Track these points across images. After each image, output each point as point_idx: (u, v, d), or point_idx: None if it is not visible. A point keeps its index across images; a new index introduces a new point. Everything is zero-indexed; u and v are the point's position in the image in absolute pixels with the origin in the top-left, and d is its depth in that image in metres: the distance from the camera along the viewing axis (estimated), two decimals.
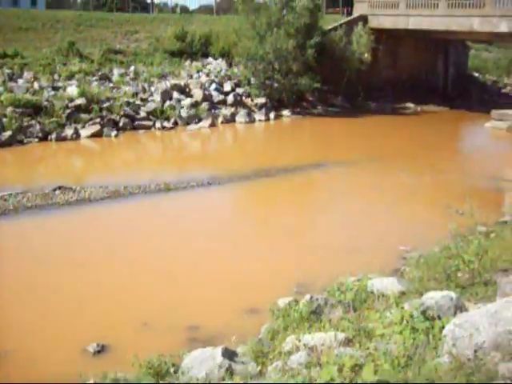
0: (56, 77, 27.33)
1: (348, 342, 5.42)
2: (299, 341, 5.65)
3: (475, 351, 4.14)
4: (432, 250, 9.28)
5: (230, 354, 5.86)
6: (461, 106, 38.58)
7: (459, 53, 45.66)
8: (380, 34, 37.47)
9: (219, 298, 9.33)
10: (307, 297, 7.01)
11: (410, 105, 37.75)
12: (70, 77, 27.50)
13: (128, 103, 26.01)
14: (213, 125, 27.04)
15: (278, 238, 12.67)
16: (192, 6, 72.49)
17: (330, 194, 17.15)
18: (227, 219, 14.39)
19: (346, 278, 7.91)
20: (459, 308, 5.17)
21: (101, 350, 7.70)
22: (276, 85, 31.16)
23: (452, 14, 34.09)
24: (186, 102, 27.93)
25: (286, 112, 31.09)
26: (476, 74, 51.39)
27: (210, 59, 34.16)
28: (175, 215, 14.51)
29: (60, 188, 15.55)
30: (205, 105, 28.35)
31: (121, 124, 24.80)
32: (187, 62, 33.20)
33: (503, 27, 32.08)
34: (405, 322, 4.94)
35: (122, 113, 25.21)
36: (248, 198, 17.11)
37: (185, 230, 13.05)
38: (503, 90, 50.33)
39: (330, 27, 35.74)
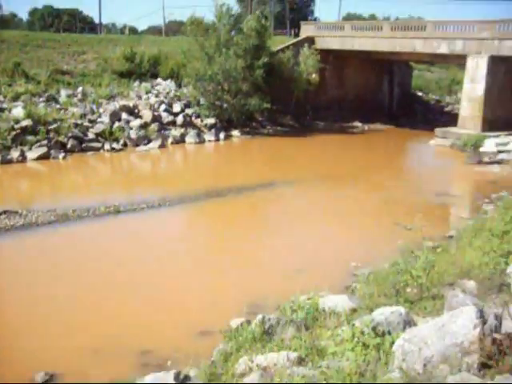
0: (1, 98, 26.72)
1: (300, 360, 5.44)
2: (252, 362, 5.63)
3: (424, 365, 4.22)
4: (381, 266, 9.44)
5: (182, 378, 5.79)
6: (406, 125, 39.61)
7: (403, 73, 46.98)
8: (327, 55, 38.29)
9: (171, 320, 9.22)
10: (259, 317, 7.00)
11: (358, 123, 38.53)
12: (16, 98, 26.96)
13: (76, 125, 25.64)
14: (163, 146, 26.92)
15: (228, 259, 12.64)
16: (141, 27, 72.50)
17: (280, 213, 17.24)
18: (178, 241, 14.26)
19: (298, 296, 7.95)
20: (408, 323, 5.27)
21: (49, 379, 7.48)
22: (225, 105, 31.32)
23: (395, 36, 35.20)
24: (136, 123, 27.73)
25: (235, 132, 31.25)
26: (420, 94, 52.95)
27: (160, 80, 34.09)
28: (124, 238, 14.30)
29: (5, 212, 15.12)
30: (154, 126, 28.21)
31: (69, 146, 24.40)
32: (136, 83, 33.03)
33: (443, 48, 33.32)
34: (356, 338, 5.00)
35: (69, 134, 24.81)
36: (198, 220, 17.03)
37: (134, 253, 12.87)
38: (445, 109, 51.97)
39: (278, 48, 36.27)
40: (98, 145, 25.39)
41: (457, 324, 4.24)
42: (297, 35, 43.50)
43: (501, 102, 33.41)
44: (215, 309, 9.46)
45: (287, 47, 36.67)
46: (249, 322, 7.40)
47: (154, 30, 65.80)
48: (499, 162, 26.87)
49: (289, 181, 20.99)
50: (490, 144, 29.68)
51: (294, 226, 15.57)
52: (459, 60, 34.95)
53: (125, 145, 26.24)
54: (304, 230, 15.13)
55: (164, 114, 29.70)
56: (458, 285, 7.18)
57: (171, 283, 10.96)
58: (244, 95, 31.27)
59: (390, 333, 5.00)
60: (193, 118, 31.05)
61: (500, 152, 28.65)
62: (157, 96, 31.55)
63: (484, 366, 4.02)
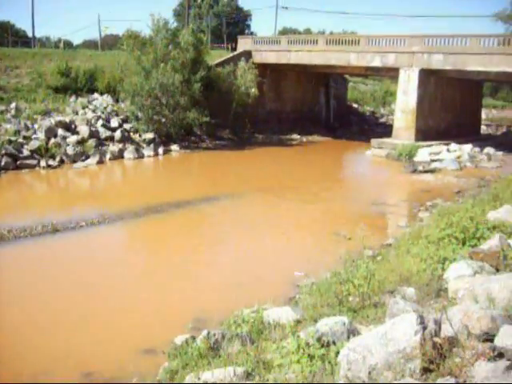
0: None
1: (247, 375, 5.44)
2: (199, 379, 5.59)
3: (369, 373, 4.31)
4: (324, 277, 9.57)
5: None
6: (343, 136, 40.49)
7: (339, 85, 48.05)
8: (264, 69, 38.75)
9: (114, 339, 9.03)
10: (204, 332, 6.96)
11: (296, 136, 39.09)
12: None
13: (10, 141, 24.83)
14: (101, 162, 26.48)
15: (171, 275, 12.49)
16: (76, 41, 71.26)
17: (221, 227, 17.22)
18: (119, 259, 14.01)
19: (242, 310, 7.95)
20: (352, 332, 5.37)
21: None
22: (164, 120, 31.12)
23: (330, 49, 36.01)
24: (72, 139, 27.15)
25: (174, 147, 31.10)
26: (355, 106, 54.24)
27: (96, 95, 33.55)
28: (63, 257, 13.93)
29: None
30: (92, 141, 27.70)
31: (2, 163, 23.62)
32: (72, 98, 32.38)
33: (377, 62, 34.32)
34: (302, 350, 5.05)
35: (3, 152, 24.01)
36: (139, 236, 16.78)
37: (73, 272, 12.56)
38: (380, 120, 53.45)
39: (215, 62, 36.42)
40: (34, 162, 24.70)
41: (399, 331, 4.35)
42: (234, 49, 43.86)
43: (432, 112, 34.69)
44: (160, 326, 9.33)
45: (225, 61, 36.93)
46: (194, 339, 7.34)
47: (89, 44, 64.85)
48: (433, 171, 27.82)
49: (229, 194, 21.03)
50: (424, 153, 30.71)
51: (236, 240, 15.59)
52: (392, 73, 36.10)
53: (62, 161, 25.63)
54: (246, 242, 15.17)
55: (101, 130, 29.23)
56: (398, 292, 7.36)
57: (113, 302, 10.74)
58: (182, 109, 31.19)
59: (334, 343, 5.08)
60: (131, 133, 30.70)
61: (433, 161, 29.69)
62: (94, 111, 31.03)
63: (426, 370, 4.14)
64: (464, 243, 8.82)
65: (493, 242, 8.11)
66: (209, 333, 6.84)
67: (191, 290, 11.32)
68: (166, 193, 21.31)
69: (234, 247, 14.80)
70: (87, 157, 26.51)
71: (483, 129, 48.49)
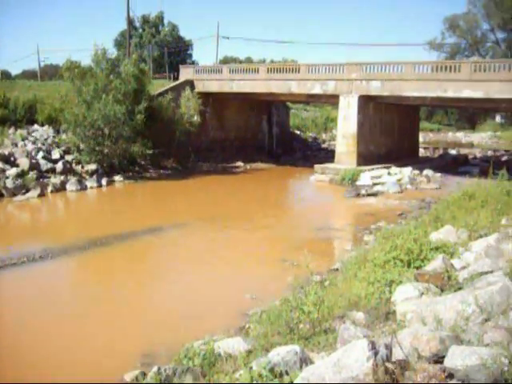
0: None
1: None
2: None
3: None
4: (273, 305, 9.54)
5: None
6: (286, 162, 40.95)
7: (281, 113, 48.73)
8: (207, 98, 38.96)
9: (62, 377, 8.70)
10: (154, 368, 6.79)
11: (240, 163, 39.27)
12: None
13: None
14: (42, 194, 25.82)
15: (118, 309, 12.20)
16: (14, 71, 69.82)
17: (167, 259, 16.99)
18: (61, 295, 13.59)
19: (192, 342, 7.82)
20: (305, 361, 5.35)
21: None
22: (107, 150, 30.70)
23: (272, 78, 36.56)
24: (12, 171, 26.41)
25: (118, 177, 30.68)
26: (298, 132, 55.06)
27: (36, 126, 32.88)
28: (3, 296, 13.40)
29: None
30: (32, 174, 27.02)
31: None
32: (11, 130, 31.59)
33: (317, 89, 35.06)
34: (255, 382, 4.99)
35: None
36: (83, 271, 16.33)
37: (15, 311, 12.10)
38: (323, 145, 54.44)
39: (158, 92, 36.36)
40: None
41: (351, 358, 4.37)
42: (176, 79, 43.92)
43: (372, 137, 35.61)
44: (108, 362, 9.07)
45: (167, 91, 36.91)
46: (144, 375, 7.16)
47: (28, 74, 63.72)
48: (375, 194, 28.41)
49: (175, 224, 20.82)
50: (366, 177, 31.37)
51: (182, 271, 15.40)
52: (332, 99, 36.93)
53: (1, 195, 24.86)
54: (193, 273, 15.00)
55: (42, 162, 28.58)
56: (347, 317, 7.41)
57: (59, 339, 10.39)
58: (125, 140, 30.88)
59: (287, 373, 5.04)
60: (73, 165, 30.14)
61: (375, 184, 30.36)
62: (34, 143, 30.36)
63: None
64: (409, 265, 9.00)
65: (436, 263, 8.30)
66: (159, 368, 6.68)
67: (139, 325, 11.07)
68: (110, 225, 20.92)
69: (180, 278, 14.61)
70: (28, 190, 25.79)
71: (421, 152, 50.03)
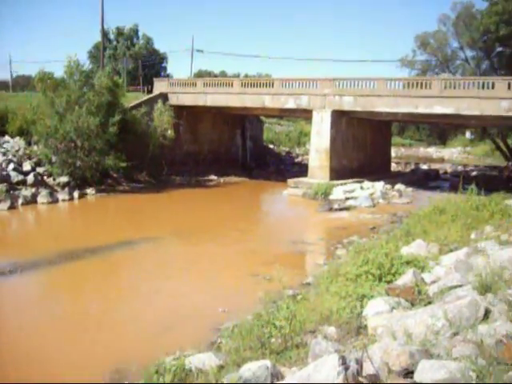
0: None
1: None
2: None
3: None
4: (245, 319, 9.51)
5: None
6: (260, 176, 41.03)
7: (255, 127, 48.93)
8: (181, 111, 38.93)
9: None
10: None
11: (213, 177, 39.23)
12: None
13: None
14: (13, 207, 25.41)
15: (88, 325, 12.02)
16: None
17: (139, 273, 16.80)
18: (31, 309, 13.35)
19: (164, 358, 7.74)
20: (276, 376, 5.34)
21: None
22: (79, 163, 30.38)
23: (246, 92, 36.72)
24: None
25: (90, 190, 30.36)
26: (271, 146, 55.29)
27: (7, 138, 32.42)
28: None
29: None
30: (2, 186, 26.57)
31: None
32: None
33: (291, 104, 35.33)
34: None
35: None
36: (53, 286, 16.04)
37: None
38: (296, 160, 54.73)
39: (132, 104, 36.22)
40: None
41: (321, 373, 4.38)
42: (150, 91, 43.83)
43: (345, 151, 35.94)
44: (76, 380, 8.91)
45: (141, 103, 36.80)
46: None
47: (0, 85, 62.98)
48: (348, 208, 28.60)
49: (147, 238, 20.66)
50: (339, 192, 31.60)
51: (155, 285, 15.26)
52: (306, 114, 37.20)
53: None
54: (166, 287, 14.88)
55: (13, 174, 28.17)
56: (319, 331, 7.43)
57: (25, 356, 10.19)
58: (98, 153, 30.62)
59: None
60: (45, 177, 29.78)
61: (348, 199, 30.58)
62: (4, 154, 29.90)
63: None
64: (380, 279, 9.06)
65: (407, 278, 8.38)
66: None
67: (109, 340, 10.93)
68: (82, 238, 20.67)
69: (153, 293, 14.47)
70: None
71: (393, 166, 50.63)
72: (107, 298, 14.20)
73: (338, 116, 34.46)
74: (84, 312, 12.95)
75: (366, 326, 7.06)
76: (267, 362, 5.42)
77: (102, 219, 25.83)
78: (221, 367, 6.96)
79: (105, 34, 52.06)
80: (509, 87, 28.50)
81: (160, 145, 35.43)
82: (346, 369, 4.37)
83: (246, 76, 79.91)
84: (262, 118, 51.79)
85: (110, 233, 22.04)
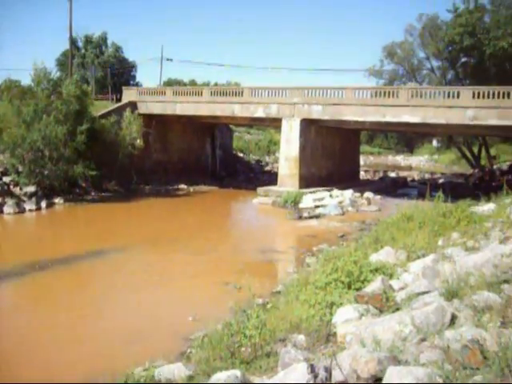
0: None
1: None
2: None
3: None
4: (215, 329, 9.47)
5: None
6: (230, 185, 41.03)
7: (225, 135, 48.95)
8: (150, 120, 38.76)
9: None
10: None
11: (183, 186, 39.09)
12: None
13: None
14: None
15: (53, 338, 11.78)
16: None
17: (109, 283, 16.62)
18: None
19: (133, 369, 7.66)
20: None
21: None
22: (47, 172, 29.95)
23: (215, 100, 36.76)
24: None
25: (58, 200, 29.96)
26: (241, 155, 55.35)
27: None
28: None
29: None
30: None
31: None
32: None
33: (260, 112, 35.46)
34: None
35: None
36: (19, 298, 15.76)
37: None
38: (266, 168, 54.89)
39: (100, 113, 35.92)
40: None
41: (291, 382, 4.38)
42: (119, 100, 43.52)
43: (314, 160, 36.19)
44: None
45: (110, 112, 36.53)
46: None
47: None
48: (317, 216, 28.76)
49: (117, 248, 20.45)
50: (308, 200, 31.77)
51: (125, 295, 15.11)
52: (275, 123, 37.41)
53: None
54: (135, 298, 14.73)
55: None
56: (289, 340, 7.43)
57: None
58: (66, 162, 30.25)
59: None
60: (11, 187, 29.27)
61: (317, 207, 30.76)
62: None
63: None
64: (350, 287, 9.11)
65: (376, 285, 8.45)
66: None
67: (78, 352, 10.76)
68: (49, 249, 20.35)
69: (122, 303, 14.33)
70: None
71: (362, 174, 51.17)
72: (75, 309, 13.98)
73: (307, 124, 34.70)
74: (51, 324, 12.73)
75: (335, 334, 7.08)
76: (237, 372, 5.41)
77: (71, 229, 25.50)
78: (190, 377, 6.91)
79: (73, 41, 51.59)
80: (473, 96, 29.10)
81: (129, 154, 35.19)
82: (315, 377, 4.39)
83: (216, 84, 79.99)
84: (232, 126, 51.84)
85: (79, 243, 21.77)
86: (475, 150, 53.51)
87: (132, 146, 35.53)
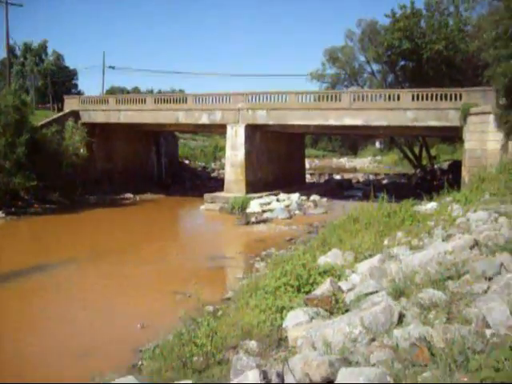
0: None
1: None
2: None
3: None
4: (166, 339, 9.35)
5: None
6: (176, 192, 40.73)
7: (169, 143, 48.61)
8: (93, 128, 38.13)
9: None
10: None
11: (129, 195, 38.53)
12: None
13: None
14: None
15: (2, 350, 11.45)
16: None
17: (55, 296, 16.19)
18: None
19: None
20: None
21: None
22: None
23: (159, 108, 36.50)
24: None
25: None
26: (187, 162, 55.05)
27: None
28: None
29: None
30: None
31: None
32: None
33: (204, 119, 35.40)
34: None
35: None
36: None
37: None
38: (212, 175, 54.76)
39: (41, 123, 35.04)
40: None
41: None
42: (61, 109, 42.57)
43: (260, 165, 36.33)
44: None
45: (51, 122, 35.69)
46: None
47: None
48: (265, 221, 28.88)
49: (61, 261, 19.92)
50: (255, 205, 31.85)
51: (72, 309, 14.74)
52: (221, 129, 37.43)
53: None
54: (83, 311, 14.40)
55: None
56: (240, 346, 7.40)
57: None
58: (6, 174, 29.34)
59: None
60: None
61: (264, 211, 30.88)
62: None
63: None
64: (299, 290, 9.14)
65: (325, 287, 8.50)
66: None
67: (27, 370, 10.42)
68: None
69: (70, 317, 13.96)
70: None
71: (308, 178, 51.67)
72: (22, 325, 13.56)
73: (252, 130, 34.81)
74: None
75: (286, 338, 7.10)
76: (188, 382, 5.35)
77: (13, 243, 24.68)
78: None
79: (10, 49, 50.15)
80: (413, 98, 29.87)
81: (73, 164, 34.45)
82: (268, 383, 4.37)
83: (160, 92, 79.28)
84: (177, 133, 51.51)
85: (23, 257, 21.10)
86: (416, 150, 54.91)
87: (75, 155, 34.81)
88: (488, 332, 4.92)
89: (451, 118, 28.51)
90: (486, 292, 6.11)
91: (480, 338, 4.77)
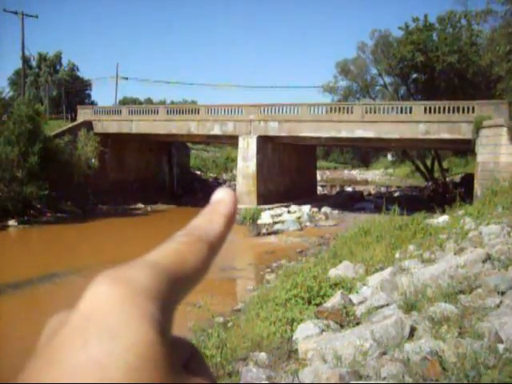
0: None
1: None
2: None
3: None
4: None
5: None
6: (188, 203, 40.74)
7: (181, 153, 48.78)
8: (106, 139, 38.33)
9: None
10: None
11: (141, 205, 38.66)
12: None
13: None
14: None
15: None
16: None
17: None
18: None
19: None
20: None
21: None
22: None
23: (171, 119, 36.67)
24: None
25: (12, 222, 29.16)
26: (198, 172, 55.19)
27: None
28: None
29: None
30: None
31: None
32: None
33: (216, 130, 35.51)
34: None
35: None
36: None
37: None
38: (224, 186, 54.65)
39: (55, 133, 35.32)
40: None
41: None
42: (74, 119, 42.93)
43: (271, 176, 36.34)
44: None
45: (64, 132, 35.96)
46: None
47: None
48: (276, 232, 28.83)
49: (73, 270, 20.00)
50: (266, 216, 31.82)
51: None
52: (232, 140, 37.48)
53: None
54: None
55: None
56: (250, 358, 7.38)
57: None
58: (19, 183, 29.58)
59: None
60: None
61: (275, 223, 30.84)
62: None
63: None
64: (310, 302, 9.12)
65: (335, 300, 8.49)
66: None
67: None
68: (2, 273, 19.76)
69: None
70: None
71: (319, 189, 51.63)
72: (27, 334, 13.57)
73: (264, 141, 34.86)
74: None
75: (296, 350, 7.07)
76: None
77: (25, 252, 24.82)
78: None
79: (26, 60, 50.72)
80: (425, 111, 29.82)
81: (85, 173, 34.66)
82: None
83: (172, 102, 79.77)
84: (189, 144, 51.71)
85: (34, 266, 21.19)
86: (428, 163, 54.73)
87: (87, 166, 35.03)
88: (500, 347, 4.88)
89: (464, 131, 28.41)
90: (498, 306, 6.07)
91: (492, 352, 4.73)
